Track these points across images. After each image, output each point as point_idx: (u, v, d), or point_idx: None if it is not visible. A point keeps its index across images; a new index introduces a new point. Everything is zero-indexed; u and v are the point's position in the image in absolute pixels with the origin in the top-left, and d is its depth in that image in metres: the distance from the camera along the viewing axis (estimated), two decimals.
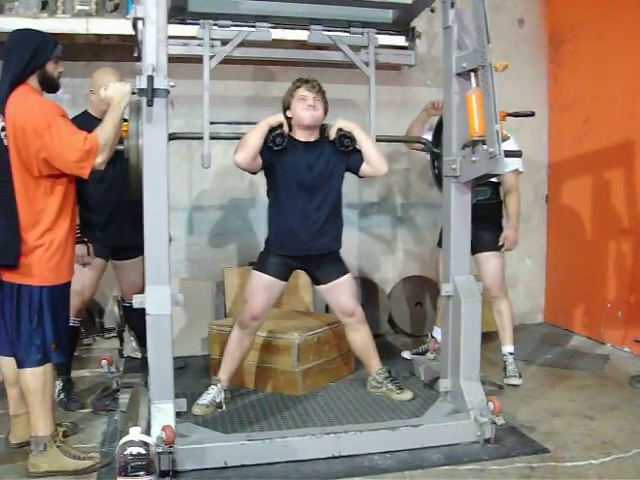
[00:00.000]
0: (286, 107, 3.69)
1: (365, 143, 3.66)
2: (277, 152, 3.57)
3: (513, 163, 4.08)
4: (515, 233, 4.18)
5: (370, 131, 3.88)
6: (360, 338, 3.86)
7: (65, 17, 4.46)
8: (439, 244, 4.19)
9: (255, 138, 3.48)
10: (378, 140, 3.87)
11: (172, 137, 3.40)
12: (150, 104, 2.80)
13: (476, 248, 4.13)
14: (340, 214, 3.82)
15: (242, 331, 3.69)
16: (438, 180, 3.97)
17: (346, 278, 3.80)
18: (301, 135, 3.67)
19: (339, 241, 3.82)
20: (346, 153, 3.69)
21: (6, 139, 2.72)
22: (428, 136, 4.12)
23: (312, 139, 3.69)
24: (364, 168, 3.70)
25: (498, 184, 4.19)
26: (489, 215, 4.17)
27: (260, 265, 3.74)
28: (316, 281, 3.87)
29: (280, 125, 3.56)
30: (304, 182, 3.64)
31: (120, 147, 3.14)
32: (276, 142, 3.54)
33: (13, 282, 2.80)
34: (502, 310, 4.22)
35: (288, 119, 3.64)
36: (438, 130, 3.95)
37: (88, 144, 2.74)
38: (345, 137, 3.66)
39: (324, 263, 3.77)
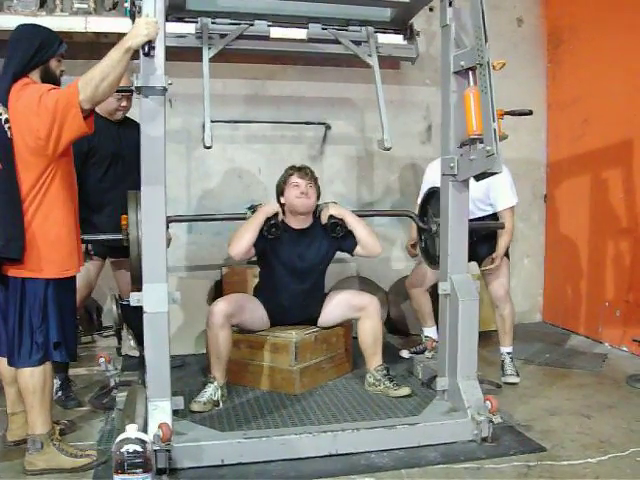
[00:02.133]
0: (279, 193, 3.87)
1: (358, 229, 3.84)
2: (270, 240, 3.74)
3: (508, 200, 4.13)
4: (499, 261, 4.16)
5: (381, 123, 3.87)
6: (371, 328, 3.90)
7: (63, 15, 4.46)
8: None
9: (251, 232, 3.66)
10: (366, 215, 4.09)
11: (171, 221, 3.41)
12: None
13: (483, 258, 4.15)
14: (323, 284, 4.10)
15: (213, 326, 3.66)
16: (426, 254, 3.97)
17: (332, 297, 4.03)
18: (294, 222, 3.86)
19: (319, 309, 4.03)
20: (338, 238, 3.87)
21: (10, 131, 2.71)
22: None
23: (305, 225, 3.88)
24: (358, 250, 3.91)
25: (495, 216, 4.22)
26: (490, 234, 4.20)
27: (259, 297, 3.97)
28: (312, 322, 4.06)
29: (275, 215, 3.72)
30: (295, 269, 3.87)
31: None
32: (271, 232, 3.72)
33: (17, 276, 2.78)
34: (505, 315, 4.22)
35: (282, 205, 3.83)
36: (425, 203, 3.97)
37: (70, 86, 2.68)
38: (337, 225, 3.83)
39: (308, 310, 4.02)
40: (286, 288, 3.89)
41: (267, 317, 3.94)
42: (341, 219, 3.83)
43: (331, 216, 3.83)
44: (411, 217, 4.06)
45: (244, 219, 3.78)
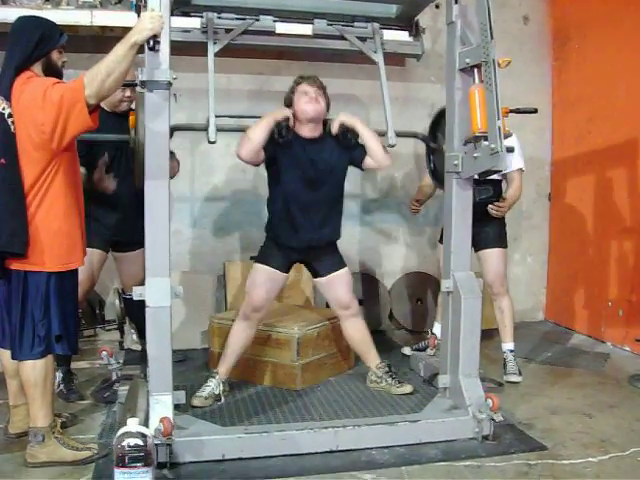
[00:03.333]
0: (288, 104, 3.71)
1: (368, 138, 3.68)
2: (281, 146, 3.59)
3: (516, 162, 4.09)
4: (505, 209, 4.13)
5: (386, 119, 3.86)
6: (356, 332, 3.88)
7: (69, 9, 4.46)
8: (440, 240, 4.20)
9: (260, 132, 3.49)
10: (379, 134, 3.87)
11: (176, 129, 3.41)
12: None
13: (479, 245, 4.14)
14: (341, 205, 3.86)
15: (244, 323, 3.71)
16: (434, 174, 3.97)
17: (344, 271, 3.84)
18: (305, 130, 3.68)
19: (338, 232, 3.87)
20: (349, 147, 3.72)
21: (13, 125, 2.71)
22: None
23: (316, 134, 3.71)
24: (367, 161, 3.73)
25: (500, 182, 4.17)
26: (490, 217, 4.16)
27: (261, 257, 3.78)
28: (315, 273, 3.89)
29: (286, 119, 3.59)
30: (307, 177, 3.66)
31: (126, 136, 3.14)
32: (282, 134, 3.57)
33: (21, 270, 2.78)
34: (503, 307, 4.21)
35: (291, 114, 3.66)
36: (435, 124, 3.94)
37: (75, 81, 2.68)
38: (347, 132, 3.69)
39: (324, 255, 3.81)
40: (298, 198, 3.68)
41: (283, 272, 3.76)
42: (351, 126, 3.70)
43: (342, 124, 3.71)
44: (421, 138, 4.05)
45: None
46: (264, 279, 3.70)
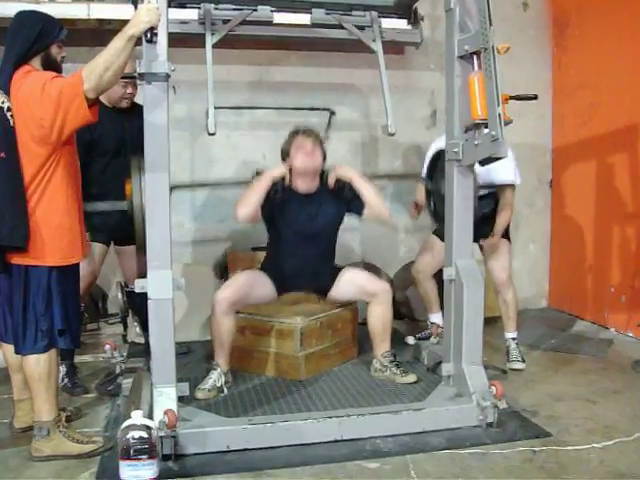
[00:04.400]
0: (285, 156, 3.79)
1: (365, 192, 3.76)
2: (278, 204, 3.69)
3: (510, 176, 4.10)
4: (497, 239, 4.16)
5: (385, 108, 3.85)
6: (381, 315, 3.88)
7: (66, 2, 4.45)
8: (435, 232, 4.22)
9: (258, 194, 3.59)
10: (375, 177, 3.93)
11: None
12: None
13: (482, 235, 4.13)
14: (334, 252, 4.00)
15: (218, 311, 3.65)
16: (434, 215, 3.94)
17: (347, 273, 3.94)
18: (301, 185, 3.79)
19: (330, 278, 3.95)
20: (346, 200, 3.80)
21: (12, 119, 2.70)
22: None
23: (312, 189, 3.81)
24: (366, 213, 3.82)
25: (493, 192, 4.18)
26: (494, 203, 4.18)
27: (265, 271, 3.90)
28: (321, 293, 4.02)
29: (282, 177, 3.67)
30: (304, 233, 3.79)
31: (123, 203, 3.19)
32: (278, 195, 3.67)
33: (22, 264, 2.78)
34: (508, 300, 4.21)
35: (288, 169, 3.75)
36: (433, 164, 3.92)
37: (74, 75, 2.67)
38: (344, 187, 3.76)
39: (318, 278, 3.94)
40: (295, 253, 3.81)
41: (274, 290, 3.86)
42: (348, 181, 3.76)
43: (338, 179, 3.76)
44: (421, 179, 4.04)
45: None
46: (255, 281, 3.80)
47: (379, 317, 3.88)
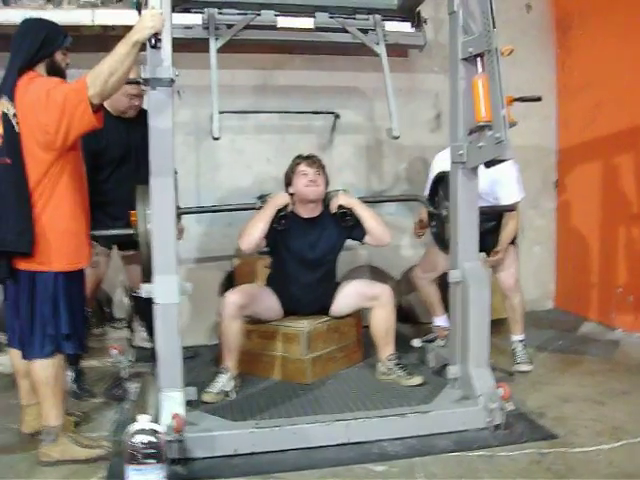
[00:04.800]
0: (288, 183, 3.86)
1: (366, 219, 3.83)
2: (280, 232, 3.73)
3: (516, 195, 4.11)
4: (502, 254, 4.16)
5: (390, 112, 3.86)
6: (383, 318, 3.89)
7: (71, 8, 4.46)
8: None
9: (262, 224, 3.65)
10: (376, 202, 3.96)
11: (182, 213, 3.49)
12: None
13: (490, 247, 4.13)
14: (335, 270, 4.08)
15: (228, 317, 3.68)
16: (437, 238, 3.95)
17: (344, 287, 4.01)
18: (304, 211, 3.85)
19: (330, 299, 4.01)
20: (348, 227, 3.86)
21: (17, 125, 2.71)
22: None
23: (315, 214, 3.87)
24: (367, 239, 3.90)
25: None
26: (497, 227, 4.19)
27: (271, 288, 3.96)
28: (324, 312, 4.05)
29: (285, 205, 3.72)
30: (306, 260, 3.86)
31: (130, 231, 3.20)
32: (281, 224, 3.72)
33: (28, 270, 2.79)
34: (515, 305, 4.21)
35: (290, 195, 3.81)
36: (434, 188, 3.93)
37: (78, 81, 2.69)
38: (345, 214, 3.82)
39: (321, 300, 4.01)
40: (298, 279, 3.89)
41: (280, 307, 3.94)
42: (349, 208, 3.82)
43: (340, 206, 3.83)
44: (421, 202, 4.05)
45: (254, 209, 3.78)
46: (263, 297, 3.88)
47: (381, 320, 3.88)
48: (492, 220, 4.11)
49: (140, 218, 3.10)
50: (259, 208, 3.77)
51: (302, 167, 3.82)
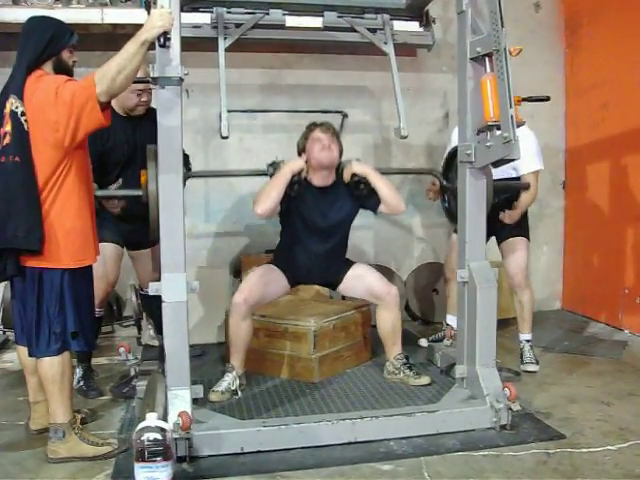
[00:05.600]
0: (301, 150, 3.79)
1: (381, 187, 3.74)
2: (293, 198, 3.66)
3: (531, 165, 4.07)
4: (517, 215, 4.11)
5: (398, 111, 3.86)
6: (389, 319, 3.87)
7: (80, 7, 4.49)
8: (455, 230, 4.19)
9: (278, 189, 3.58)
10: (390, 174, 3.90)
11: (189, 177, 3.45)
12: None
13: (502, 237, 4.12)
14: (346, 245, 3.98)
15: (237, 316, 3.68)
16: (449, 213, 3.94)
17: (358, 268, 3.92)
18: (317, 178, 3.77)
19: (342, 270, 3.93)
20: (361, 196, 3.79)
21: (26, 124, 2.72)
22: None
23: (328, 182, 3.79)
24: (381, 209, 3.81)
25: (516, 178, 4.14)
26: (512, 199, 4.13)
27: (276, 263, 3.87)
28: (331, 286, 4.00)
29: (300, 171, 3.65)
30: (318, 228, 3.79)
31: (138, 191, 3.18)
32: (294, 190, 3.64)
33: (35, 267, 2.80)
34: (524, 301, 4.19)
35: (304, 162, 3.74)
36: (449, 162, 3.91)
37: (87, 79, 2.69)
38: (360, 182, 3.74)
39: (330, 272, 3.91)
40: (308, 248, 3.81)
41: (286, 282, 3.85)
42: (364, 177, 3.75)
43: (354, 174, 3.76)
44: (435, 175, 4.04)
45: (265, 175, 3.74)
46: (268, 278, 3.78)
47: (388, 321, 3.87)
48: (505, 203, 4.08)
49: (150, 178, 3.08)
50: (270, 175, 3.71)
51: (316, 133, 3.73)
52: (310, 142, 3.74)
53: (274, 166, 3.73)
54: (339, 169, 3.82)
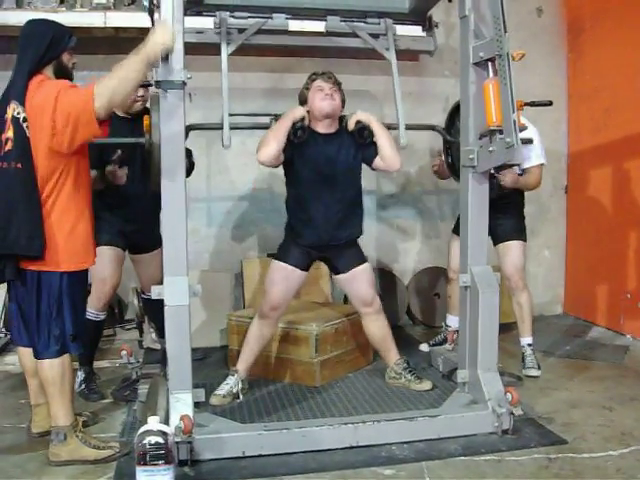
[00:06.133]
0: (303, 101, 3.70)
1: (381, 137, 3.66)
2: (298, 145, 3.58)
3: (535, 158, 4.06)
4: (515, 178, 4.03)
5: (397, 118, 3.86)
6: (378, 329, 3.86)
7: (83, 11, 4.50)
8: (454, 230, 4.20)
9: (280, 135, 3.50)
10: (393, 128, 3.85)
11: (191, 128, 3.43)
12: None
13: (498, 238, 4.13)
14: (361, 203, 3.84)
15: (262, 321, 3.71)
16: (451, 168, 3.96)
17: (365, 267, 3.82)
18: (320, 127, 3.68)
19: (360, 229, 3.84)
20: (363, 145, 3.70)
21: (28, 130, 2.73)
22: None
23: (332, 130, 3.70)
24: (377, 162, 3.71)
25: (520, 175, 4.13)
26: (510, 203, 4.15)
27: (281, 255, 3.77)
28: (335, 270, 3.88)
29: (302, 118, 3.58)
30: (324, 174, 3.65)
31: (141, 140, 3.17)
32: (297, 135, 3.55)
33: (34, 270, 2.81)
34: (522, 302, 4.18)
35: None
36: (452, 117, 3.93)
37: (87, 90, 2.70)
38: (364, 129, 3.67)
39: (344, 252, 3.78)
40: (317, 197, 3.67)
41: (302, 269, 3.74)
42: (368, 125, 3.68)
43: (358, 121, 3.69)
44: (438, 131, 4.03)
45: (267, 128, 3.69)
46: (282, 277, 3.70)
47: (377, 332, 3.88)
48: (508, 197, 4.08)
49: (153, 126, 3.03)
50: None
51: (318, 82, 3.66)
52: (312, 92, 3.66)
53: (276, 118, 3.68)
54: (343, 120, 3.75)
